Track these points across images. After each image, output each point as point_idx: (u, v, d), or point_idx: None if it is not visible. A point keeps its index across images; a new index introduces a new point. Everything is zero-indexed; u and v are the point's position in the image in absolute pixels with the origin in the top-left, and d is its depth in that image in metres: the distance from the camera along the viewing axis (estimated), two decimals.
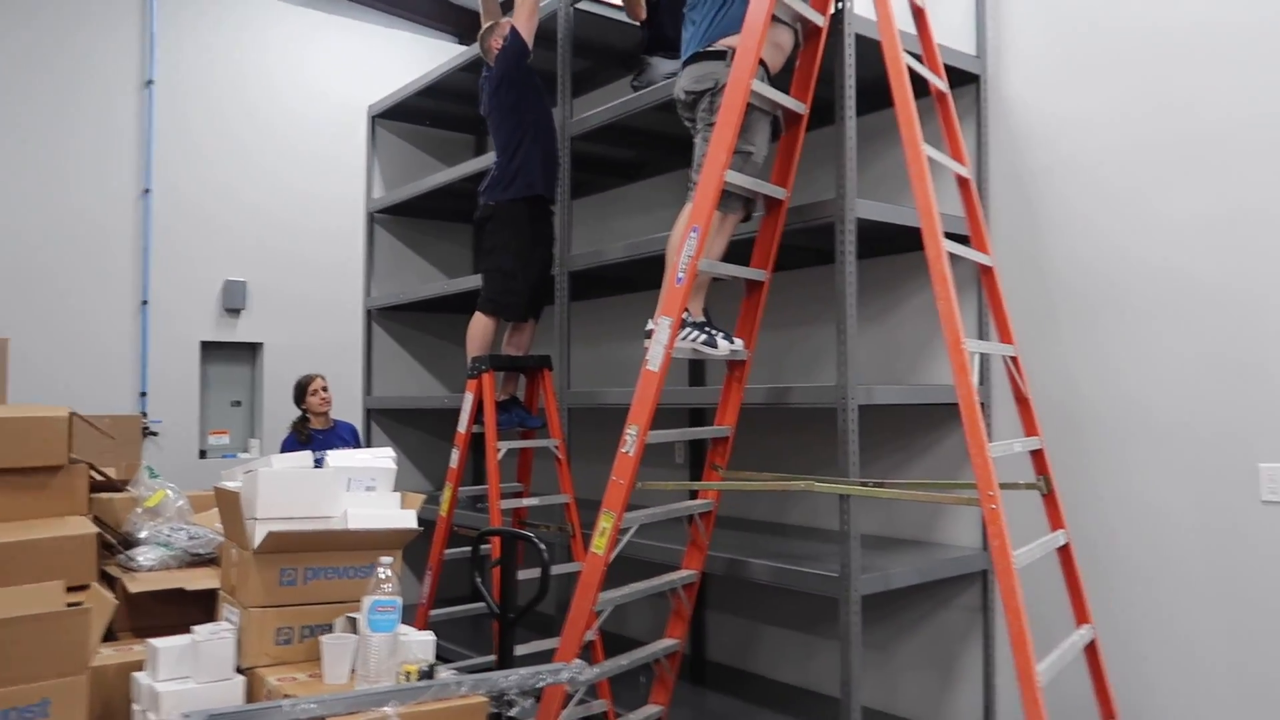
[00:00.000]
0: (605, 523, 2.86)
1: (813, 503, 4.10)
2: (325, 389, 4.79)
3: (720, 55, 2.91)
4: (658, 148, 4.38)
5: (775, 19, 2.84)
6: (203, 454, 5.46)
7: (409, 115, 5.82)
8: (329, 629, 2.10)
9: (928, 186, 2.35)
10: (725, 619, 4.56)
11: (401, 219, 5.94)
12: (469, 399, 3.73)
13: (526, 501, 3.80)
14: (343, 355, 5.76)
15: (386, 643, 1.93)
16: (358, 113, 5.83)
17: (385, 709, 1.77)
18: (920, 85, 3.41)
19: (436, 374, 6.06)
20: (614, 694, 3.75)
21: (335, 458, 2.35)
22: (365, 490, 2.30)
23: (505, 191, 3.89)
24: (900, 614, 3.80)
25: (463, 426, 3.75)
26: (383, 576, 1.97)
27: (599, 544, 2.86)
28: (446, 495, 3.84)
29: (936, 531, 3.67)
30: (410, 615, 4.02)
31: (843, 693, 2.99)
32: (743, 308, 3.22)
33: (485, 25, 4.11)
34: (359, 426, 5.68)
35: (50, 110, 4.94)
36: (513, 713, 1.99)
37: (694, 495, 3.38)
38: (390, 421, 5.86)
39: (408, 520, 2.24)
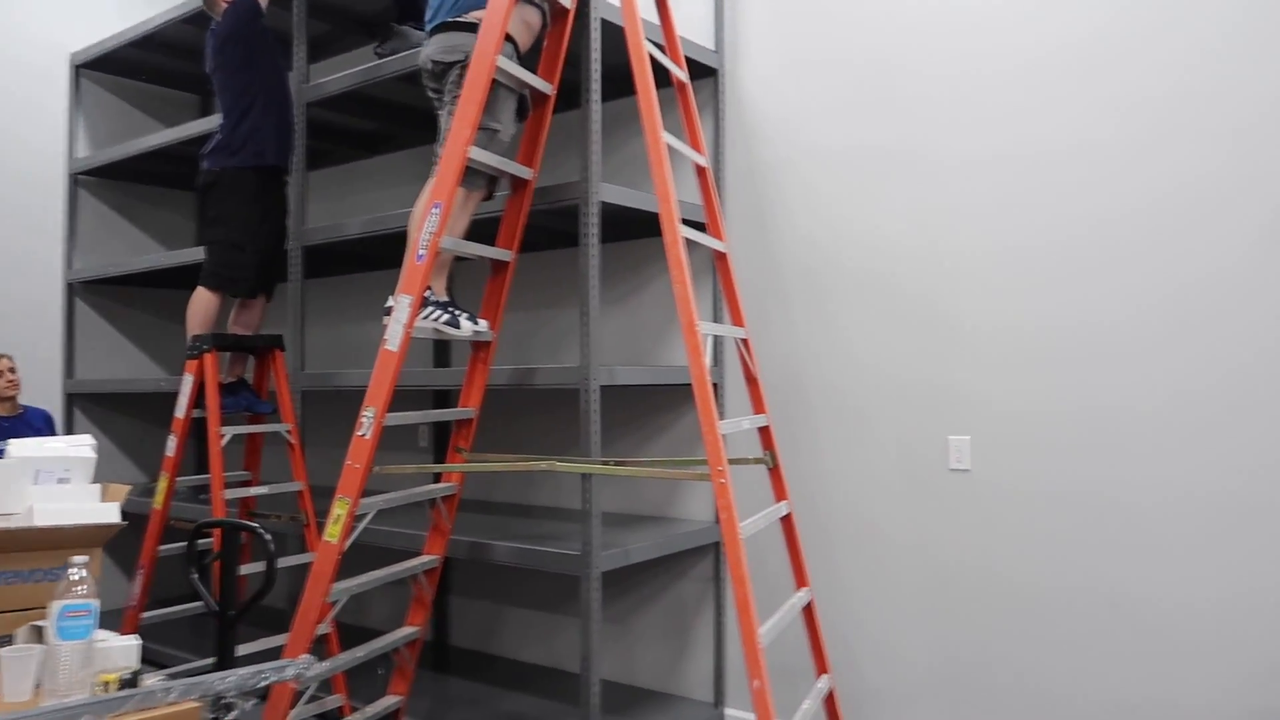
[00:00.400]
0: (340, 509, 2.73)
1: (557, 483, 4.14)
2: (13, 370, 4.23)
3: (471, 27, 2.84)
4: (402, 120, 4.23)
5: None
6: None
7: (122, 68, 5.25)
8: (9, 640, 1.86)
9: (666, 173, 2.42)
10: (468, 603, 4.52)
11: (111, 183, 5.36)
12: (188, 381, 3.43)
13: (255, 490, 3.56)
14: (37, 332, 5.11)
15: (79, 651, 1.73)
16: (57, 59, 5.18)
17: None
18: (663, 75, 3.52)
19: (153, 354, 5.54)
20: (351, 688, 3.61)
21: (19, 447, 2.07)
22: (57, 483, 2.05)
23: (232, 158, 3.60)
24: (639, 588, 3.93)
25: (181, 411, 3.44)
26: (75, 578, 1.76)
27: (333, 532, 2.73)
28: (162, 486, 3.52)
29: (674, 507, 3.82)
30: (117, 620, 3.68)
31: (583, 668, 3.04)
32: (488, 288, 3.18)
33: None
34: (57, 413, 5.08)
35: None
36: (231, 716, 1.85)
37: (437, 479, 3.31)
38: (97, 407, 5.29)
39: (108, 514, 2.02)
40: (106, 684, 1.74)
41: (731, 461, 2.84)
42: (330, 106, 3.98)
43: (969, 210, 3.14)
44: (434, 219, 2.64)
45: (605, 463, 2.85)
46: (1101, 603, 2.89)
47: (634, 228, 3.63)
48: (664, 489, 3.85)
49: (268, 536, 2.59)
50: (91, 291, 5.30)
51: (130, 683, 1.76)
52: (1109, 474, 2.88)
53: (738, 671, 3.67)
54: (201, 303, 3.63)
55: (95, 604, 1.78)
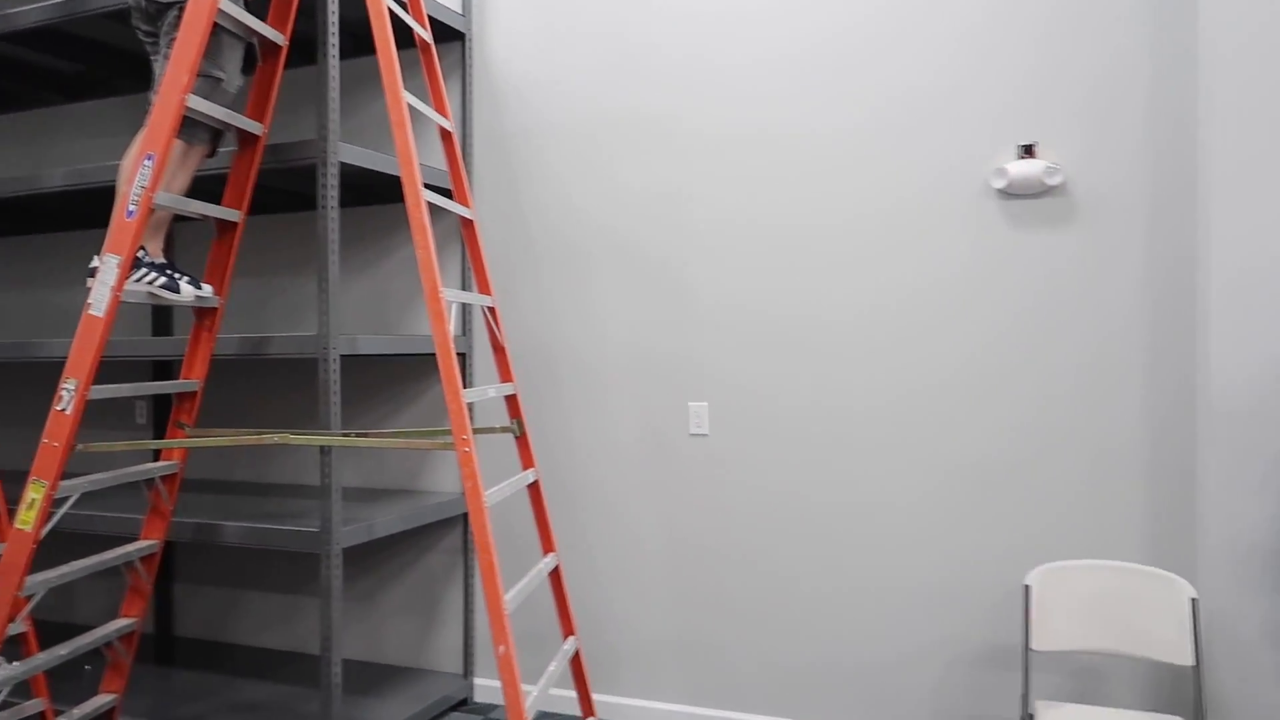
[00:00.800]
0: (35, 493, 2.45)
1: (298, 460, 3.94)
2: None
3: None
4: (112, 63, 3.81)
5: None
6: None
7: None
8: None
9: (408, 134, 2.35)
10: (196, 590, 4.21)
11: None
12: None
13: None
14: None
15: None
16: None
17: None
18: (408, 34, 3.41)
19: None
20: (56, 690, 3.27)
21: None
22: None
23: None
24: (386, 564, 3.83)
25: None
26: None
27: (26, 518, 2.45)
28: None
29: (422, 480, 3.75)
30: None
31: (323, 648, 2.93)
32: (213, 250, 2.95)
33: None
34: None
35: None
36: None
37: (157, 457, 3.05)
38: None
39: None
40: None
41: (478, 431, 2.84)
42: (22, 42, 3.52)
43: (712, 188, 3.28)
44: (146, 172, 2.40)
45: (346, 434, 2.74)
46: (819, 560, 3.16)
47: (377, 192, 3.50)
48: (411, 461, 3.77)
49: None
50: None
51: None
52: (836, 435, 3.14)
53: (487, 641, 3.67)
54: None
55: None
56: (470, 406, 3.62)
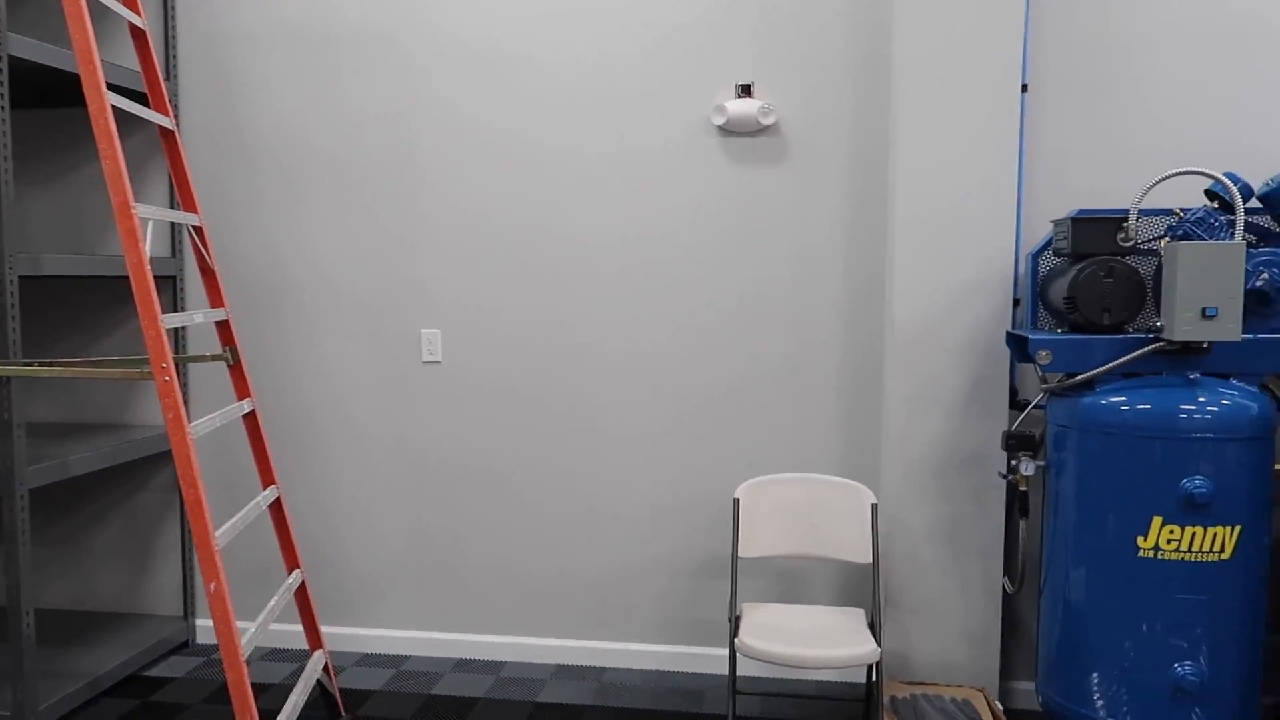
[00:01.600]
0: None
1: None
2: None
3: None
4: None
5: None
6: None
7: None
8: None
9: (87, 27, 2.10)
10: None
11: None
12: None
13: None
14: None
15: None
16: None
17: None
18: None
19: None
20: None
21: None
22: None
23: None
24: (91, 504, 3.53)
25: None
26: None
27: None
28: None
29: (129, 413, 3.47)
30: None
31: (9, 597, 2.67)
32: None
33: None
34: None
35: None
36: None
37: None
38: None
39: None
40: None
41: (188, 359, 2.65)
42: None
43: (440, 111, 3.19)
44: None
45: (23, 364, 2.47)
46: (555, 483, 3.25)
47: (69, 95, 3.12)
48: (116, 395, 3.46)
49: None
50: None
51: None
52: (562, 361, 3.20)
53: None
54: None
55: None
56: (177, 333, 3.37)
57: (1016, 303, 2.73)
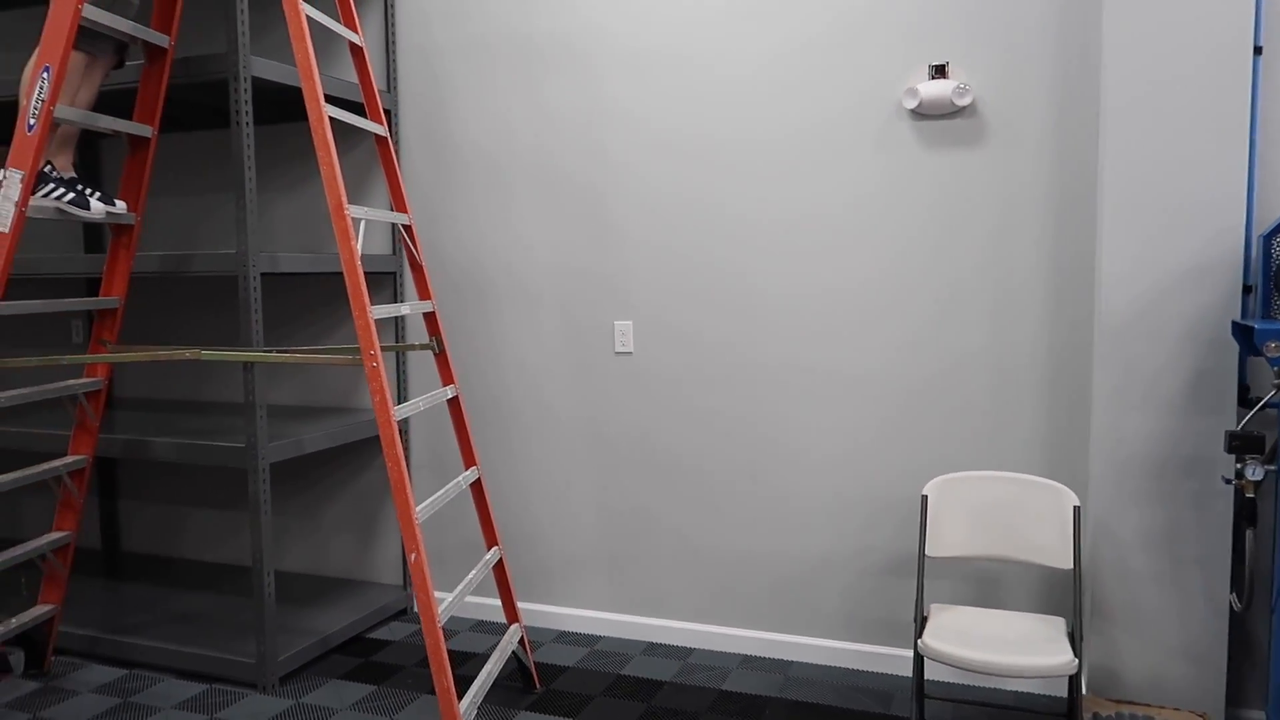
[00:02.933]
0: None
1: (231, 378, 3.97)
2: None
3: None
4: None
5: None
6: None
7: None
8: None
9: (308, 46, 2.33)
10: (140, 507, 4.27)
11: None
12: None
13: None
14: None
15: None
16: None
17: None
18: None
19: None
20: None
21: None
22: None
23: None
24: (324, 480, 3.90)
25: None
26: None
27: None
28: None
29: (360, 397, 3.80)
30: None
31: (254, 559, 3.01)
32: (126, 167, 2.93)
33: None
34: None
35: None
36: None
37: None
38: None
39: None
40: None
41: (400, 348, 2.88)
42: None
43: (634, 109, 3.28)
44: (44, 85, 2.37)
45: (257, 351, 2.77)
46: (743, 473, 3.26)
47: (302, 110, 3.46)
48: (348, 380, 3.81)
49: None
50: None
51: None
52: (751, 352, 3.20)
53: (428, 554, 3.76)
54: None
55: None
56: (397, 324, 3.65)
57: (1248, 290, 2.46)
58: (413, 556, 2.37)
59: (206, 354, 2.60)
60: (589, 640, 3.47)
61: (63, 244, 4.12)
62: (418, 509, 2.42)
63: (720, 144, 3.18)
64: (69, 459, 3.06)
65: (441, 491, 2.63)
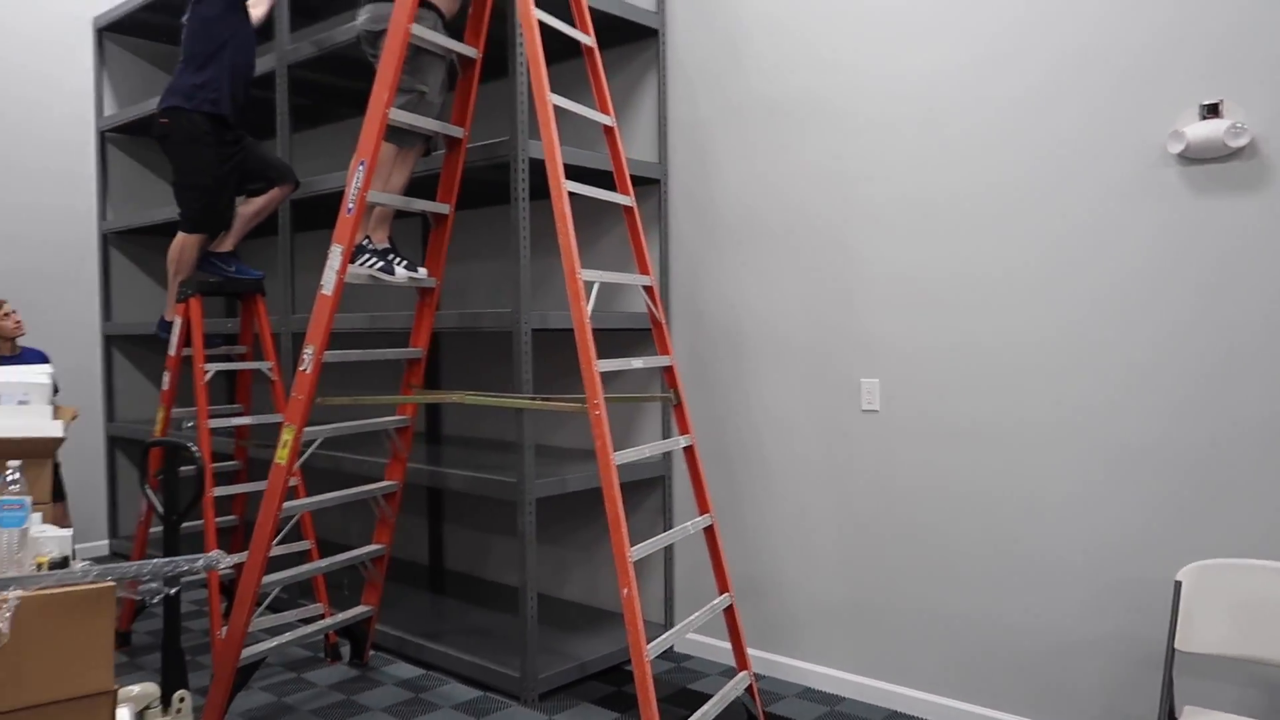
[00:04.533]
0: (286, 435, 3.08)
1: (534, 420, 4.46)
2: (9, 314, 4.59)
3: None
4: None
5: None
6: None
7: (140, 29, 5.62)
8: None
9: (553, 132, 2.66)
10: (459, 531, 4.89)
11: (137, 138, 5.78)
12: (177, 324, 3.81)
13: (240, 420, 3.94)
14: (78, 280, 5.61)
15: (14, 537, 2.10)
16: (82, 24, 5.60)
17: (4, 594, 1.96)
18: (605, 38, 3.73)
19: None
20: (330, 597, 4.02)
21: None
22: (18, 403, 2.43)
23: (188, 101, 3.73)
24: (600, 517, 4.23)
25: (172, 350, 3.83)
26: (11, 479, 2.13)
27: (281, 455, 3.09)
28: (159, 417, 3.93)
29: (630, 441, 4.09)
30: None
31: (520, 582, 3.37)
32: (430, 239, 3.47)
33: None
34: (96, 352, 5.60)
35: None
36: (140, 592, 2.23)
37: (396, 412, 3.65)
38: (132, 347, 5.78)
39: (51, 430, 2.40)
40: (40, 564, 2.11)
41: (637, 399, 3.12)
42: (313, 68, 4.28)
43: (880, 166, 3.29)
44: (360, 175, 2.92)
45: (504, 396, 3.14)
46: (989, 541, 3.09)
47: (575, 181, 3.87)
48: (622, 426, 4.12)
49: (195, 450, 2.93)
50: (123, 240, 5.75)
51: (60, 564, 2.13)
52: (1003, 414, 3.05)
53: (687, 594, 3.95)
54: (185, 248, 3.86)
55: (28, 500, 2.15)
56: (663, 374, 3.89)
57: None
58: (624, 592, 2.56)
59: (470, 399, 3.01)
60: (831, 700, 3.44)
61: (401, 302, 4.89)
62: (633, 549, 2.61)
63: (971, 198, 3.09)
64: (383, 484, 3.63)
65: (665, 534, 2.80)
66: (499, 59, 3.98)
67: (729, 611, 3.15)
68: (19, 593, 1.99)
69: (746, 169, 3.65)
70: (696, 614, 2.89)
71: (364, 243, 3.20)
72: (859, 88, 3.33)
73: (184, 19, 3.92)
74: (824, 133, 3.43)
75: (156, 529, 4.11)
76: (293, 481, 3.44)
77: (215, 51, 3.76)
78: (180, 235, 3.87)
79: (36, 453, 2.35)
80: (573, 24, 3.11)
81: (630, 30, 3.81)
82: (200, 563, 2.31)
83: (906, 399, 3.26)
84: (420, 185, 3.55)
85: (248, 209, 3.96)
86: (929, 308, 3.19)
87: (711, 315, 3.77)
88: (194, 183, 3.81)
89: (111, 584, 2.14)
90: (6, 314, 4.35)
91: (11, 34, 5.34)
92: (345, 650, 3.95)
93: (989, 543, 3.08)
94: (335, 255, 2.98)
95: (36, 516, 2.21)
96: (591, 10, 3.48)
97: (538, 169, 3.37)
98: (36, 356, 4.46)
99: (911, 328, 3.24)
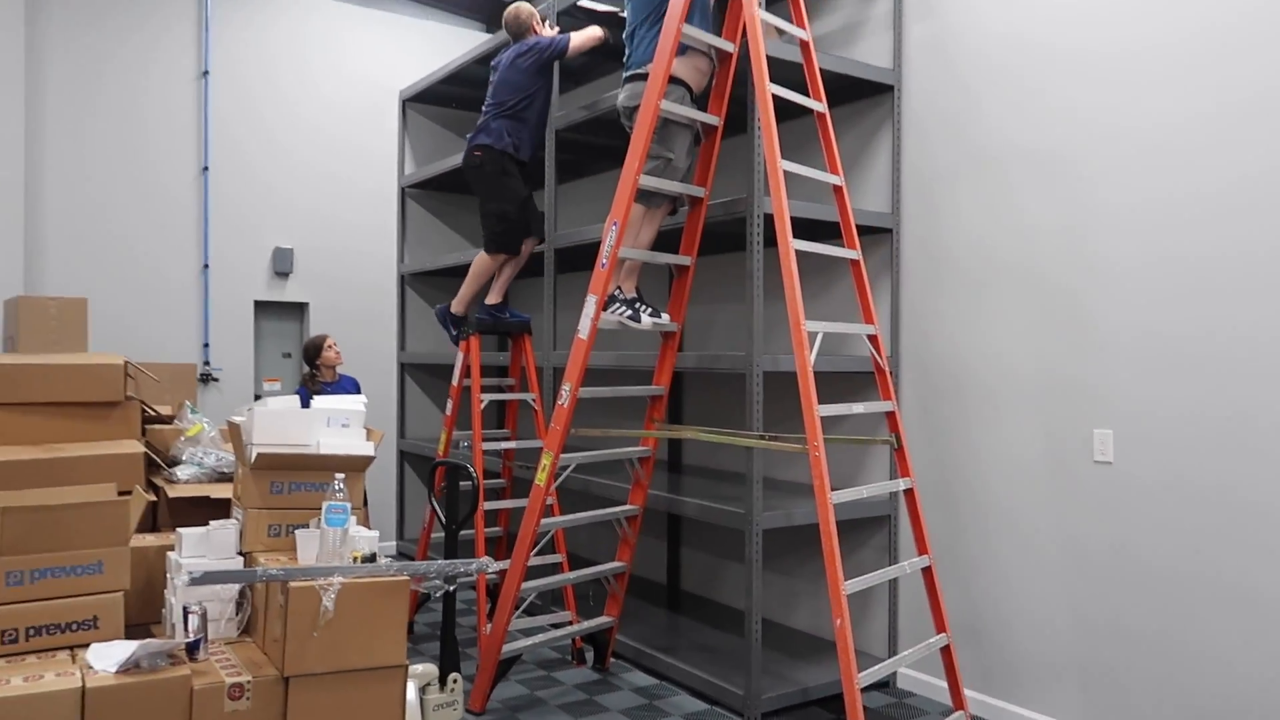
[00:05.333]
0: (545, 460, 3.53)
1: (760, 454, 4.71)
2: (334, 346, 5.42)
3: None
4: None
5: (692, 48, 3.41)
6: (257, 397, 6.30)
7: (437, 99, 6.49)
8: (305, 526, 2.82)
9: (783, 197, 2.92)
10: (694, 554, 5.22)
11: (430, 193, 6.65)
12: (460, 359, 4.42)
13: (508, 445, 4.49)
14: (381, 315, 6.53)
15: (338, 535, 2.63)
16: (391, 96, 6.54)
17: (331, 579, 2.48)
18: (835, 96, 3.95)
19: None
20: (582, 610, 4.46)
21: (319, 401, 3.06)
22: (340, 426, 3.01)
23: (499, 141, 4.35)
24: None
25: (455, 380, 4.45)
26: (337, 489, 2.67)
27: (540, 478, 3.54)
28: (442, 438, 4.56)
29: (859, 480, 4.24)
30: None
31: (745, 608, 3.62)
32: (673, 287, 3.83)
33: (527, 9, 4.55)
34: (392, 379, 6.48)
35: (124, 97, 5.71)
36: (424, 587, 2.71)
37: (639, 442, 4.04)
38: (421, 374, 6.63)
39: (366, 449, 2.94)
40: (355, 558, 2.63)
41: (858, 441, 3.30)
42: (576, 130, 4.81)
43: (1113, 219, 3.28)
44: (612, 234, 3.33)
45: (725, 432, 3.40)
46: (1231, 594, 2.98)
47: (808, 233, 4.09)
48: (850, 464, 4.27)
49: (472, 470, 3.44)
50: (417, 281, 6.63)
51: (369, 559, 2.64)
52: (1247, 474, 2.95)
53: (912, 631, 4.02)
54: (483, 265, 4.48)
55: (348, 505, 2.68)
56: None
57: None
58: (838, 622, 2.75)
59: (702, 435, 3.31)
60: None
61: (643, 343, 5.30)
62: (846, 583, 2.79)
63: (1211, 252, 3.02)
64: (626, 507, 4.02)
65: (880, 571, 2.96)
66: (739, 116, 4.29)
67: (946, 651, 3.23)
68: (340, 580, 2.50)
69: (980, 218, 3.72)
70: (911, 650, 3.02)
71: (615, 293, 3.60)
72: (1096, 138, 3.34)
73: (495, 64, 4.52)
74: (1061, 183, 3.45)
75: (434, 534, 4.75)
76: (549, 501, 3.90)
77: (522, 104, 4.38)
78: (481, 254, 4.49)
79: (354, 467, 2.90)
80: (806, 90, 3.36)
81: (866, 87, 4.01)
82: (474, 566, 2.77)
83: (1143, 454, 3.20)
84: (665, 238, 3.93)
85: (508, 268, 4.54)
86: (1171, 365, 3.13)
87: (940, 361, 3.86)
88: (498, 210, 4.42)
89: (406, 579, 2.63)
90: (330, 346, 5.20)
91: (332, 108, 6.35)
92: (589, 655, 4.36)
93: (1233, 605, 2.97)
94: (590, 304, 3.40)
95: (353, 519, 2.74)
96: (829, 72, 3.72)
97: (772, 222, 3.63)
98: (351, 383, 5.29)
99: (1150, 383, 3.18)
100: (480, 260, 4.55)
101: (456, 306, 4.60)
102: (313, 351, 5.18)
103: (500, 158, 4.38)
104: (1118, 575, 3.27)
